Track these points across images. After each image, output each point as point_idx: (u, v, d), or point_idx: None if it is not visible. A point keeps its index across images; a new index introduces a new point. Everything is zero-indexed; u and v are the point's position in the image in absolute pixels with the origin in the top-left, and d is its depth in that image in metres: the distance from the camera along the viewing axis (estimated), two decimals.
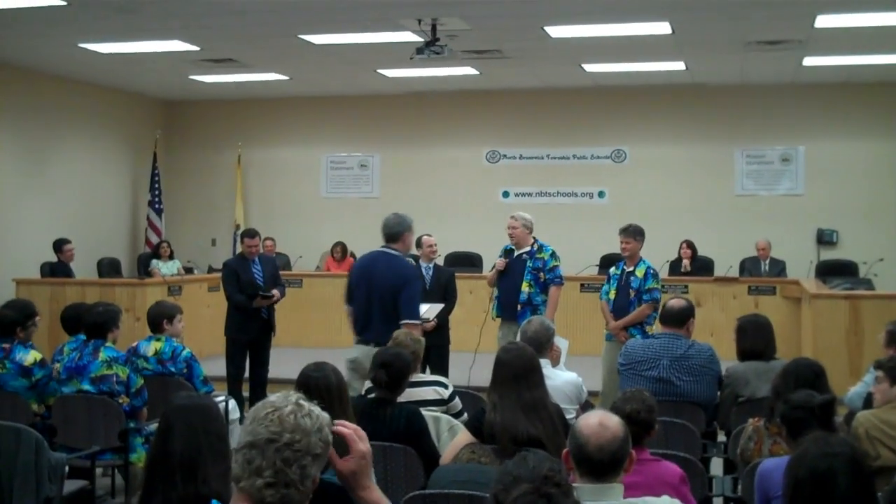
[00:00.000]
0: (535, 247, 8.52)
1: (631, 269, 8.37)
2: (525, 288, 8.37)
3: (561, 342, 8.27)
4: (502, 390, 4.62)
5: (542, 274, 8.40)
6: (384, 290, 6.82)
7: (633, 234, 8.42)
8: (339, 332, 12.84)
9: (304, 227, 15.64)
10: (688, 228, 13.84)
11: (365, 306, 6.92)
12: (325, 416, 2.43)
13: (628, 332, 8.17)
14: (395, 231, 7.13)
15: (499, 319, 8.75)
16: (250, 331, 9.17)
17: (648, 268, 8.35)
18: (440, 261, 10.85)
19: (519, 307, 8.32)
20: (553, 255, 8.52)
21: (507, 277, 8.50)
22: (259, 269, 9.31)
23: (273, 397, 2.43)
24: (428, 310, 8.40)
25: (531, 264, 8.43)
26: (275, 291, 9.26)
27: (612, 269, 8.62)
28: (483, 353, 7.31)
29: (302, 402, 2.40)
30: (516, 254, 8.56)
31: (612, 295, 8.42)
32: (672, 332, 6.25)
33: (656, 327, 8.30)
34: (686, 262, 13.13)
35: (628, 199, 14.45)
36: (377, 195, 15.63)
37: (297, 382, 4.07)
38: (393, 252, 7.04)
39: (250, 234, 9.45)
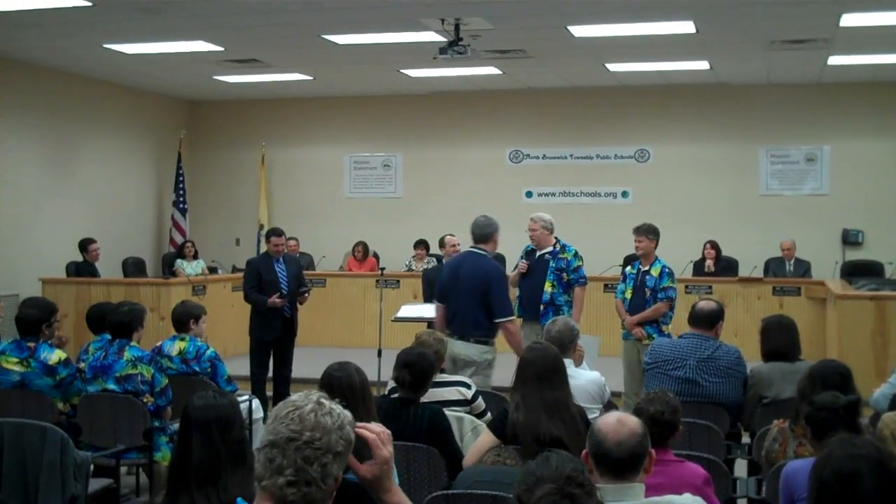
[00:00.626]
0: (558, 247, 8.51)
1: (646, 268, 8.39)
2: (548, 288, 8.36)
3: (591, 340, 8.27)
4: (525, 390, 4.63)
5: (565, 274, 8.38)
6: (470, 288, 7.25)
7: (646, 232, 8.44)
8: (363, 331, 12.98)
9: (328, 227, 15.68)
10: (712, 228, 13.79)
11: (453, 304, 7.37)
12: (347, 414, 2.43)
13: (645, 331, 8.21)
14: (486, 232, 7.52)
15: (520, 320, 8.74)
16: (274, 331, 9.21)
17: (664, 267, 8.36)
18: None
19: (542, 307, 8.31)
20: (576, 255, 8.50)
21: (530, 277, 8.49)
22: (283, 268, 9.34)
23: (294, 396, 2.44)
24: None
25: (554, 264, 8.42)
26: (302, 293, 9.35)
27: (628, 269, 8.65)
28: (504, 354, 7.32)
29: (323, 400, 2.40)
30: (538, 254, 8.55)
31: (627, 294, 8.47)
32: (700, 333, 6.24)
33: (672, 327, 8.31)
34: (710, 262, 13.07)
35: (652, 199, 14.40)
36: (400, 195, 15.65)
37: (321, 382, 4.08)
38: (481, 252, 7.45)
39: (276, 232, 9.49)
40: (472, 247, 7.53)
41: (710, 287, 12.30)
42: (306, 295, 9.48)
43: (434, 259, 13.29)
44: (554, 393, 4.59)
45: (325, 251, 14.98)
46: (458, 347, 7.19)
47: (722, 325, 6.35)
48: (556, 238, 8.61)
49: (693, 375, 6.07)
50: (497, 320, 7.23)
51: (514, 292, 8.85)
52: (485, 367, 7.29)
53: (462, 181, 15.27)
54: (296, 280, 9.40)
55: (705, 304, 6.40)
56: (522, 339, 8.51)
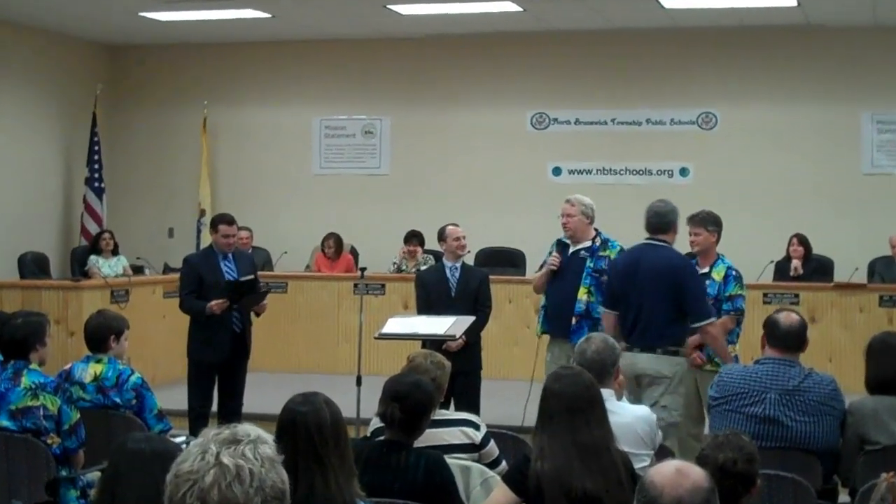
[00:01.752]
0: (598, 242, 8.51)
1: (706, 269, 8.34)
2: (583, 295, 8.37)
3: None
4: (551, 430, 4.63)
5: (605, 278, 8.37)
6: (657, 288, 7.53)
7: (704, 222, 8.42)
8: (336, 351, 12.98)
9: (290, 214, 15.70)
10: (799, 219, 13.77)
11: (634, 309, 7.59)
12: (271, 456, 2.42)
13: (703, 354, 8.18)
14: (667, 220, 7.81)
15: (546, 337, 8.75)
16: (220, 350, 9.20)
17: (729, 268, 8.34)
18: (469, 259, 10.85)
19: (574, 321, 8.34)
20: (622, 252, 8.48)
21: (559, 281, 8.50)
22: (232, 267, 9.34)
23: (192, 447, 2.43)
24: (454, 324, 8.42)
25: (592, 264, 8.42)
26: (265, 302, 9.34)
27: None
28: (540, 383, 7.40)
29: (225, 459, 2.40)
30: (572, 250, 8.54)
31: None
32: (782, 358, 6.21)
33: (740, 348, 8.31)
34: (797, 262, 13.06)
35: (719, 179, 14.41)
36: (386, 171, 15.69)
37: (280, 420, 4.09)
38: (661, 244, 7.73)
39: (224, 220, 9.47)
40: (648, 238, 7.81)
41: (797, 295, 12.28)
42: (264, 303, 9.45)
43: (431, 257, 13.27)
44: (590, 433, 4.60)
45: (287, 245, 14.98)
46: (644, 362, 7.46)
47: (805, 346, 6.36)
48: (595, 230, 8.61)
49: (774, 413, 6.06)
50: (696, 325, 7.53)
51: (537, 299, 8.86)
52: (676, 385, 7.55)
53: (469, 154, 15.29)
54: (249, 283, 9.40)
55: (790, 318, 6.35)
56: (547, 362, 8.55)
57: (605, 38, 14.80)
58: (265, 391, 9.14)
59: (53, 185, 15.64)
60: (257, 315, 9.54)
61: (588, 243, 8.53)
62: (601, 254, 8.48)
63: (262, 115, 16.07)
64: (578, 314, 8.37)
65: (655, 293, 7.54)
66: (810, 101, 14.48)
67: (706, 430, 6.97)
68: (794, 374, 6.14)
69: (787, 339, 6.26)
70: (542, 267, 8.79)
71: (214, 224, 9.54)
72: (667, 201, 7.97)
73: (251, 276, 9.38)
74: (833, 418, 6.12)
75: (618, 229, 9.57)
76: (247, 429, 2.50)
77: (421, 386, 5.04)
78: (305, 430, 3.94)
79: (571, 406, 4.65)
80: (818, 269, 13.14)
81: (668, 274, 7.58)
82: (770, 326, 6.32)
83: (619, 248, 8.53)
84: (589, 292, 8.40)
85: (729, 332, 8.24)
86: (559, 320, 8.44)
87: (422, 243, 13.64)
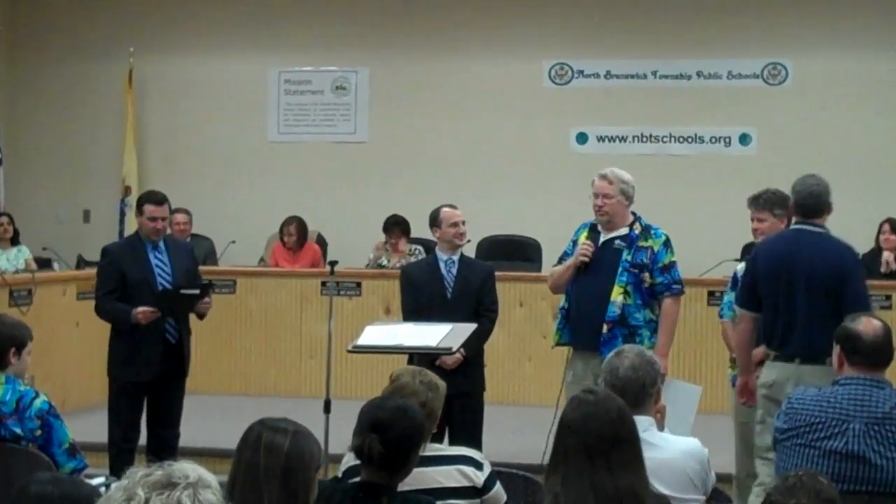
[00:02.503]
0: (638, 229, 8.51)
1: None
2: (617, 296, 8.38)
3: (686, 389, 8.27)
4: (565, 474, 4.62)
5: (647, 275, 8.43)
6: (820, 285, 7.62)
7: (770, 204, 8.46)
8: (299, 368, 12.96)
9: (240, 193, 15.74)
10: (892, 200, 13.78)
11: (785, 309, 7.67)
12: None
13: None
14: (822, 201, 7.86)
15: (567, 349, 8.74)
16: (150, 366, 9.18)
17: None
18: (470, 250, 10.83)
19: (605, 328, 8.34)
20: (667, 243, 8.55)
21: (587, 278, 8.51)
22: (164, 260, 9.32)
23: (114, 493, 2.44)
24: (449, 334, 8.39)
25: (629, 257, 8.43)
26: (207, 300, 9.33)
27: (741, 268, 8.62)
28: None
29: None
30: (604, 238, 8.55)
31: None
32: (868, 377, 6.22)
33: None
34: (889, 255, 13.07)
35: (789, 149, 14.45)
36: (363, 138, 15.73)
37: (237, 457, 4.11)
38: (819, 230, 7.84)
39: (156, 199, 9.44)
40: (800, 222, 7.86)
41: (889, 297, 12.29)
42: (207, 301, 9.42)
43: (420, 248, 13.27)
44: (613, 481, 4.58)
45: (236, 233, 15.01)
46: (811, 375, 7.38)
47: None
48: (633, 214, 8.60)
49: (859, 448, 6.06)
50: None
51: (556, 301, 8.82)
52: None
53: (468, 117, 15.32)
54: (186, 280, 9.40)
55: (872, 327, 6.35)
56: (568, 383, 8.55)
57: None
58: (208, 420, 9.16)
59: None
60: (199, 317, 9.51)
61: (625, 230, 8.51)
62: (641, 244, 8.46)
63: (204, 67, 16.08)
64: (612, 320, 8.34)
65: (820, 292, 7.63)
66: None
67: (773, 470, 6.96)
68: (885, 398, 6.13)
69: (875, 354, 6.26)
70: (561, 260, 8.76)
71: (141, 204, 9.49)
72: (818, 177, 7.97)
73: (195, 290, 9.34)
74: None
75: (660, 213, 9.59)
76: (184, 469, 2.49)
77: (407, 413, 5.02)
78: (268, 471, 3.94)
79: (591, 445, 4.62)
80: None
81: (836, 267, 7.69)
82: (849, 339, 6.30)
83: (664, 236, 8.54)
84: (625, 293, 8.38)
85: None
86: (585, 328, 8.43)
87: (406, 232, 13.61)
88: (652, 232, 8.56)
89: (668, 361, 8.39)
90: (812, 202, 7.84)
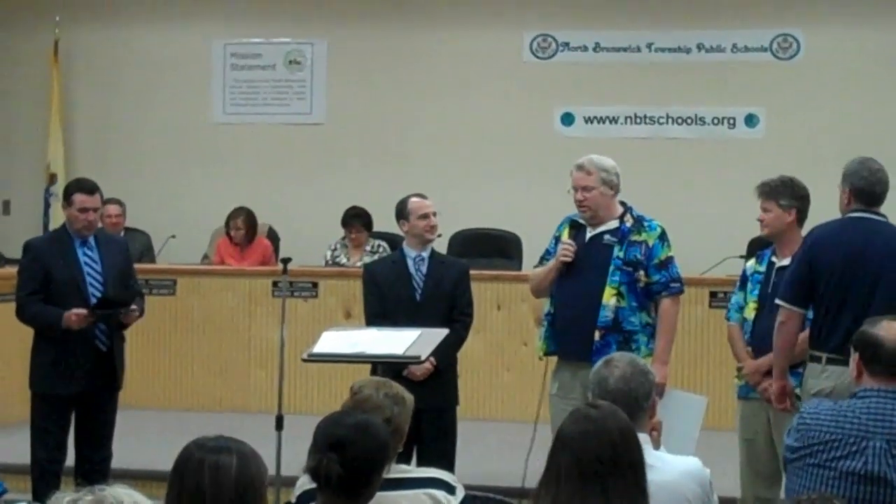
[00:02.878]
0: (630, 222, 8.52)
1: (785, 262, 8.39)
2: (609, 299, 8.41)
3: (689, 400, 8.30)
4: (559, 493, 4.63)
5: (641, 273, 8.46)
6: (892, 283, 7.79)
7: (776, 194, 8.45)
8: (247, 379, 12.96)
9: (181, 182, 15.74)
10: None
11: (853, 306, 7.74)
12: None
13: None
14: (887, 188, 8.13)
15: (550, 360, 8.76)
16: (78, 378, 9.16)
17: None
18: (441, 245, 10.84)
19: (597, 335, 8.36)
20: (663, 236, 8.57)
21: (574, 279, 8.53)
22: (95, 257, 9.32)
23: None
24: (418, 341, 8.39)
25: (622, 254, 8.45)
26: (133, 307, 9.29)
27: (751, 265, 8.73)
28: (546, 424, 7.41)
29: None
30: (591, 234, 8.56)
31: (750, 312, 8.51)
32: (889, 388, 6.24)
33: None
34: None
35: (801, 130, 14.54)
36: (320, 119, 15.77)
37: (172, 480, 4.09)
38: (884, 220, 8.10)
39: (85, 187, 9.42)
40: (862, 210, 8.00)
41: None
42: (134, 312, 9.40)
43: (384, 245, 13.30)
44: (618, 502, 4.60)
45: (177, 227, 15.02)
46: None
47: None
48: (623, 205, 8.62)
49: (880, 468, 6.08)
50: None
51: (539, 304, 8.80)
52: None
53: (439, 96, 15.38)
54: (119, 280, 9.41)
55: (895, 332, 6.38)
56: (553, 395, 8.56)
57: None
58: (143, 438, 9.15)
59: None
60: (121, 327, 9.49)
61: (614, 224, 8.52)
62: (634, 238, 8.47)
63: (139, 39, 16.05)
64: (604, 326, 8.35)
65: (891, 288, 7.76)
66: None
67: (782, 494, 6.99)
68: None
69: (892, 362, 6.29)
70: (543, 260, 8.78)
71: (69, 194, 9.46)
72: (874, 161, 8.21)
73: (129, 309, 9.30)
74: None
75: (655, 204, 9.61)
76: (118, 494, 2.49)
77: (370, 430, 5.02)
78: (222, 494, 3.94)
79: (585, 467, 4.63)
80: None
81: None
82: (868, 346, 6.30)
83: (659, 229, 8.55)
84: (618, 294, 8.39)
85: None
86: (574, 335, 8.42)
87: (367, 226, 13.61)
88: (646, 224, 8.56)
89: (667, 369, 8.41)
90: (880, 190, 8.07)
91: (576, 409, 4.91)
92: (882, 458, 6.09)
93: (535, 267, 8.95)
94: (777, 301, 8.02)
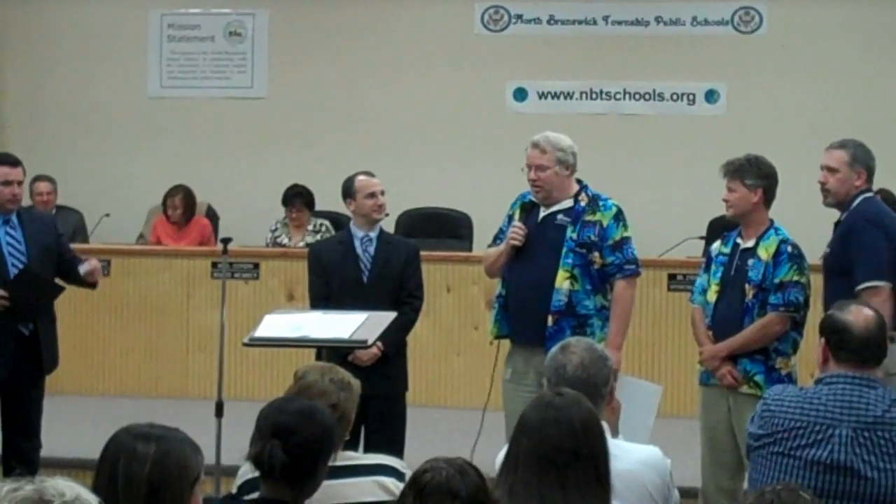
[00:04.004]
0: (584, 201, 8.53)
1: (750, 244, 8.45)
2: (563, 282, 8.41)
3: (645, 388, 8.32)
4: (516, 481, 4.66)
5: (596, 255, 8.45)
6: None
7: (741, 174, 8.46)
8: (186, 364, 12.92)
9: (115, 158, 15.68)
10: (888, 168, 13.86)
11: None
12: None
13: (742, 369, 8.29)
14: None
15: (504, 344, 8.77)
16: (1, 364, 9.15)
17: (783, 242, 8.42)
18: (389, 225, 10.84)
19: (550, 319, 8.36)
20: (619, 216, 8.56)
21: (526, 261, 8.54)
22: (19, 236, 9.28)
23: None
24: (364, 324, 8.38)
25: (575, 235, 8.46)
26: (89, 266, 9.27)
27: (716, 246, 8.73)
28: (496, 412, 7.37)
29: None
30: (544, 214, 8.57)
31: (712, 295, 8.53)
32: (857, 375, 6.26)
33: (798, 361, 8.37)
34: None
35: (764, 107, 14.58)
36: (261, 93, 15.76)
37: (99, 469, 4.08)
38: None
39: (7, 161, 9.38)
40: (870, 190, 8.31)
41: None
42: (97, 267, 9.39)
43: (326, 224, 13.29)
44: (568, 498, 4.63)
45: (110, 205, 14.97)
46: None
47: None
48: (579, 183, 8.62)
49: (846, 458, 6.10)
50: None
51: (491, 286, 8.80)
52: None
53: (387, 69, 15.36)
54: (47, 259, 9.36)
55: (863, 317, 6.39)
56: (506, 381, 8.57)
57: None
58: (75, 426, 9.11)
59: None
60: (91, 286, 9.47)
61: (568, 203, 8.52)
62: (588, 218, 8.47)
63: (72, 9, 16.03)
64: (557, 310, 8.35)
65: None
66: None
67: (745, 484, 7.01)
68: (876, 400, 6.16)
69: (866, 350, 6.30)
70: (497, 240, 8.77)
71: None
72: None
73: (58, 286, 9.28)
74: None
75: (612, 182, 9.61)
76: (59, 486, 2.47)
77: (315, 416, 5.03)
78: (134, 487, 3.93)
79: (544, 455, 4.66)
80: None
81: None
82: (836, 331, 6.31)
83: (614, 208, 8.54)
84: (572, 277, 8.38)
85: (778, 338, 8.33)
86: (527, 320, 8.43)
87: (309, 205, 13.60)
88: (601, 203, 8.55)
89: (621, 355, 8.42)
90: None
91: (540, 396, 4.94)
92: (848, 447, 6.10)
93: (489, 246, 8.95)
94: (874, 283, 8.07)
